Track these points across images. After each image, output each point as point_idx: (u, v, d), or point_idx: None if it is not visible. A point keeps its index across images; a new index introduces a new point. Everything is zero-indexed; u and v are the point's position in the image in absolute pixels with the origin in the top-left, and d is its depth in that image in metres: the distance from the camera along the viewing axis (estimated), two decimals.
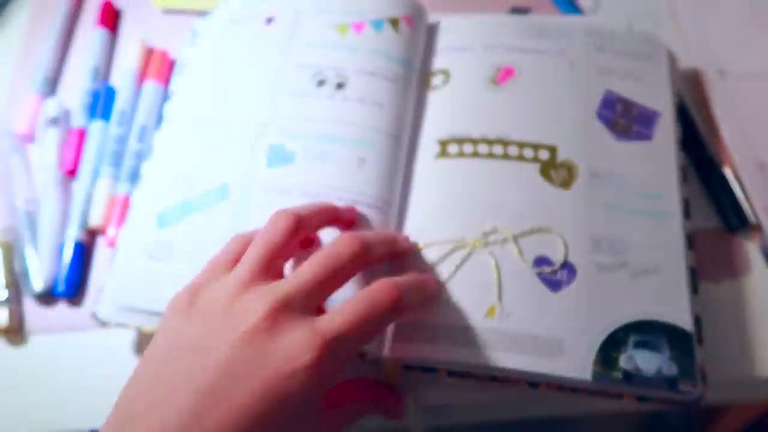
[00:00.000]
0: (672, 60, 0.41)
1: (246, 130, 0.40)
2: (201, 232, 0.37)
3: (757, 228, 0.38)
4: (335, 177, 0.37)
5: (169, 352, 0.27)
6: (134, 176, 0.42)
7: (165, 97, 0.46)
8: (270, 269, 0.29)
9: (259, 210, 0.37)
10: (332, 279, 0.29)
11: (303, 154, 0.38)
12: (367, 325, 0.28)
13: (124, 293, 0.36)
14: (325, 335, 0.26)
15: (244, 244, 0.31)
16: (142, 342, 0.38)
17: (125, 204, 0.41)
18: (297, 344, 0.26)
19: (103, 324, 0.36)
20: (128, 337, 0.38)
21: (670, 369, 0.31)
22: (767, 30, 0.44)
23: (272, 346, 0.26)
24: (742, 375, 0.35)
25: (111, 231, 0.41)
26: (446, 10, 0.46)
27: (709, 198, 0.40)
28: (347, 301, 0.28)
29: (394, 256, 0.34)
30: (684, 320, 0.32)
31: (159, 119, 0.43)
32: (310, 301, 0.28)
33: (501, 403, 0.36)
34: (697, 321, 0.33)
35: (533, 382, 0.32)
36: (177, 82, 0.44)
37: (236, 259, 0.30)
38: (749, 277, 0.37)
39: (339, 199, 0.36)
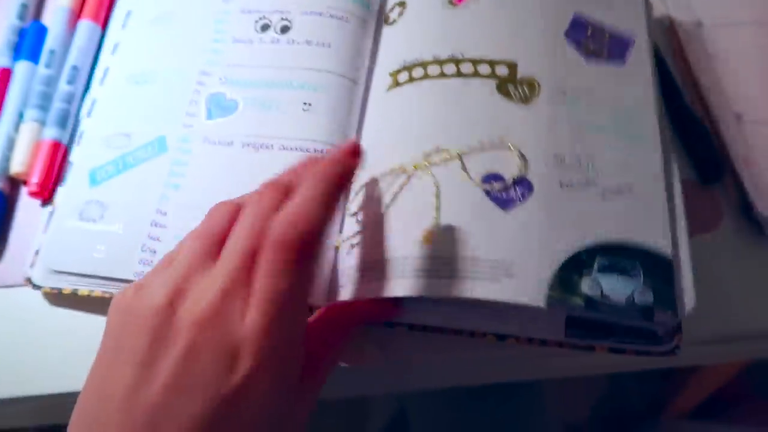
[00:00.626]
0: (648, 5, 0.39)
1: (185, 80, 0.37)
2: (136, 189, 0.34)
3: (733, 180, 0.36)
4: (280, 125, 0.34)
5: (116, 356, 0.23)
6: (63, 120, 0.38)
7: (102, 37, 0.42)
8: None
9: (200, 163, 0.35)
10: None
11: (245, 103, 0.36)
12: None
13: (55, 256, 0.33)
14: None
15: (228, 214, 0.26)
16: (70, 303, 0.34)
17: (52, 150, 0.37)
18: None
19: (38, 288, 0.33)
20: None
21: (644, 296, 0.26)
22: None
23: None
24: (715, 332, 0.33)
25: (35, 179, 0.36)
26: None
27: (685, 150, 0.37)
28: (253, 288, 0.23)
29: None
30: (663, 244, 0.28)
31: (104, 73, 0.39)
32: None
33: (466, 364, 0.33)
34: (675, 249, 0.29)
35: (501, 335, 0.29)
36: (116, 31, 0.40)
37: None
38: (723, 230, 0.35)
39: (283, 148, 0.34)
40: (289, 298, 0.23)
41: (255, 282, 0.23)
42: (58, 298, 0.34)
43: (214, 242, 0.25)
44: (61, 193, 0.35)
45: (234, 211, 0.26)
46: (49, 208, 0.35)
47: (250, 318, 0.22)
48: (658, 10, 0.42)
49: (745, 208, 0.35)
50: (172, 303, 0.23)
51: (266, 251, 0.23)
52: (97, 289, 0.32)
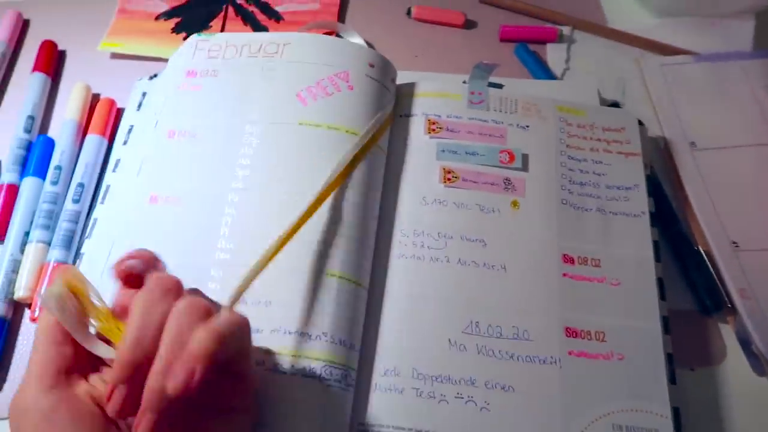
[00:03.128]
0: (643, 131, 0.41)
1: (204, 207, 0.35)
2: None
3: (732, 312, 0.37)
4: None
5: None
6: (68, 242, 0.38)
7: (108, 152, 0.42)
8: None
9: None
10: None
11: None
12: None
13: None
14: None
15: None
16: None
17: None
18: None
19: None
20: None
21: None
22: (735, 105, 0.44)
23: None
24: None
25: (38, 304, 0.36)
26: (412, 69, 0.44)
27: (683, 278, 0.38)
28: None
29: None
30: (663, 413, 0.31)
31: (105, 192, 0.39)
32: None
33: None
34: (676, 413, 0.32)
35: None
36: (119, 147, 0.40)
37: None
38: (725, 364, 0.36)
39: None
40: None
41: None
42: None
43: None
44: None
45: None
46: None
47: None
48: (653, 130, 0.43)
49: (745, 342, 0.35)
50: None
51: None
52: None
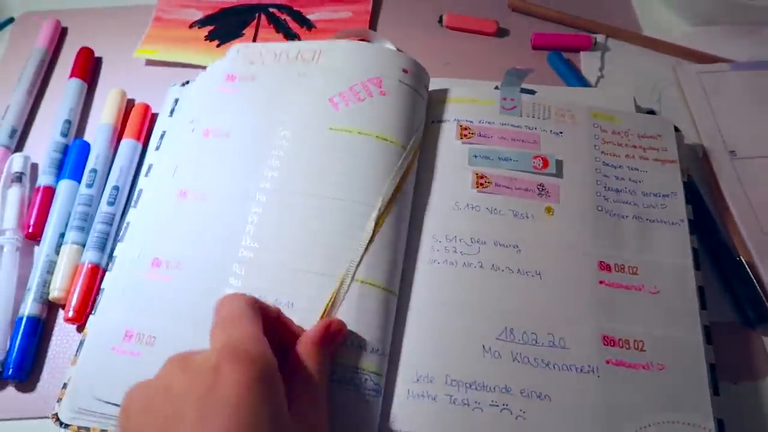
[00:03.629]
0: (679, 137, 0.40)
1: (231, 203, 0.36)
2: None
3: None
4: None
5: None
6: (102, 244, 0.39)
7: (143, 156, 0.43)
8: None
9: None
10: None
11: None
12: None
13: (83, 392, 0.31)
14: None
15: None
16: None
17: (91, 275, 0.37)
18: None
19: (65, 427, 0.32)
20: None
21: None
22: None
23: None
24: None
25: (72, 305, 0.36)
26: (443, 76, 0.44)
27: (723, 288, 0.37)
28: None
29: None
30: (706, 426, 0.30)
31: (137, 196, 0.39)
32: None
33: None
34: (720, 426, 0.31)
35: None
36: (151, 152, 0.41)
37: None
38: None
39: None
40: None
41: None
42: None
43: None
44: (93, 322, 0.35)
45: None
46: (80, 337, 0.35)
47: None
48: (690, 138, 0.42)
49: None
50: None
51: None
52: None
